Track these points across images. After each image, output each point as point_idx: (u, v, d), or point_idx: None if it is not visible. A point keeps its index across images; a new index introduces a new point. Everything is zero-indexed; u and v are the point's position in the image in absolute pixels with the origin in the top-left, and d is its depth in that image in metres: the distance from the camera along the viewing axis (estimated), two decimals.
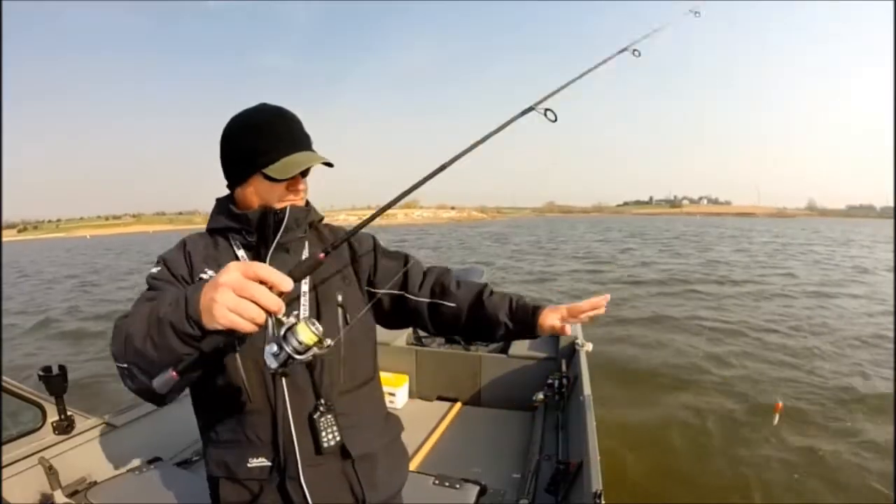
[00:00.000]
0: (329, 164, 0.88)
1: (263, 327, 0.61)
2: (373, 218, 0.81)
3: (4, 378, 1.56)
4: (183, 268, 0.87)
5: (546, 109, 0.84)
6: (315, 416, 0.85)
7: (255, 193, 0.88)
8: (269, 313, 0.60)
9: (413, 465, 2.25)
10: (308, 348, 0.62)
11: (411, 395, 3.02)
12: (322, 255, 0.72)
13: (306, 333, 0.61)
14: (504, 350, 2.95)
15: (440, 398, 2.97)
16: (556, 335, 2.89)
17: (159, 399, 0.73)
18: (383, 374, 2.94)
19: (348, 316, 0.92)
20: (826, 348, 6.16)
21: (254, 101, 0.92)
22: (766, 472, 3.31)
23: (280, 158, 0.84)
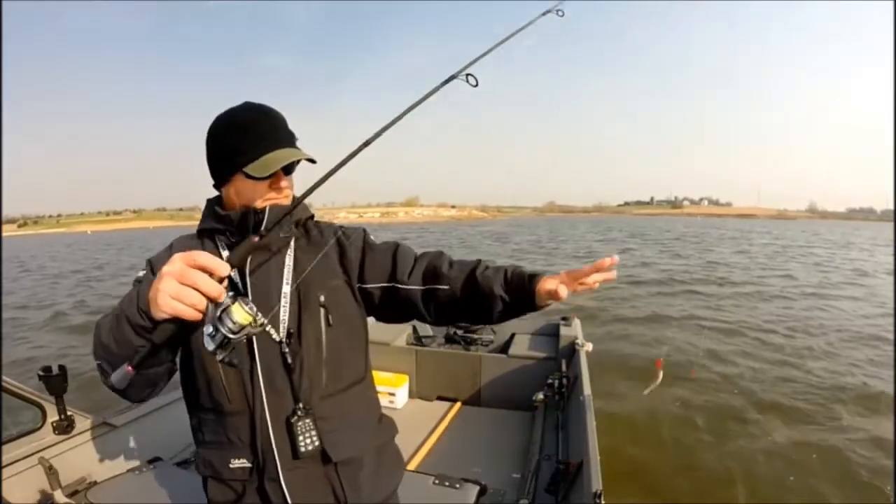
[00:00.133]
0: (311, 161, 0.87)
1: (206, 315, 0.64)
2: (304, 196, 0.83)
3: (4, 378, 1.56)
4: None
5: (467, 75, 0.84)
6: (292, 420, 0.84)
7: (238, 193, 0.87)
8: (209, 299, 0.62)
9: (413, 465, 2.25)
10: (242, 328, 0.63)
11: (411, 395, 3.02)
12: (256, 238, 0.74)
13: (240, 314, 0.62)
14: (504, 350, 2.95)
15: (440, 398, 2.97)
16: (556, 334, 2.90)
17: (130, 394, 0.77)
18: (383, 374, 2.95)
19: (331, 317, 0.89)
20: (823, 348, 6.22)
21: (253, 101, 0.90)
22: (763, 468, 3.34)
23: (260, 156, 0.83)
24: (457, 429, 2.65)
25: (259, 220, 0.85)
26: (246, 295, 0.84)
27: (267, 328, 0.84)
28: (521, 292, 0.84)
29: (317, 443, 0.85)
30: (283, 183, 0.87)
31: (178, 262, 0.62)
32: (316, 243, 0.95)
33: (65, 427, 1.73)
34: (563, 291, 0.79)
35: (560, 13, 1.06)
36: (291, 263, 0.91)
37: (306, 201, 0.93)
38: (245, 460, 0.86)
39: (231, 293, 0.64)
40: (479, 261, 0.92)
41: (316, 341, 0.87)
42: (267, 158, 0.83)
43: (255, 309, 0.64)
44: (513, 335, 3.14)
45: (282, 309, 0.87)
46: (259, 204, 0.86)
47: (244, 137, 0.84)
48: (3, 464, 1.54)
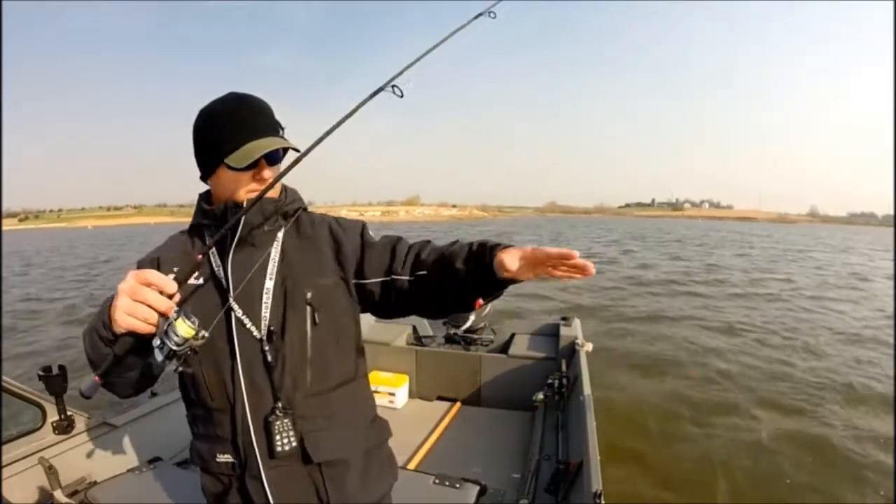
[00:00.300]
0: (295, 150, 0.84)
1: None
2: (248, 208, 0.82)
3: (4, 378, 1.56)
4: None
5: (393, 86, 0.84)
6: (270, 419, 0.82)
7: (222, 185, 0.86)
8: (159, 313, 0.68)
9: (413, 465, 2.25)
10: (186, 341, 0.68)
11: (411, 394, 3.02)
12: (199, 256, 0.76)
13: (183, 328, 0.67)
14: (504, 350, 2.95)
15: (440, 398, 2.97)
16: (556, 334, 2.90)
17: (118, 392, 0.83)
18: (383, 374, 2.96)
19: (317, 315, 0.86)
20: (819, 348, 6.32)
21: (238, 91, 0.89)
22: (762, 464, 3.37)
23: (240, 147, 0.81)
24: (457, 429, 2.65)
25: (241, 215, 0.83)
26: (228, 290, 0.84)
27: (247, 326, 0.83)
28: (481, 264, 0.78)
29: (294, 444, 0.83)
30: (267, 173, 0.84)
31: (131, 279, 0.68)
32: (307, 237, 0.92)
33: (65, 427, 1.73)
34: (514, 264, 0.73)
35: (493, 15, 1.04)
36: (277, 257, 0.88)
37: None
38: (229, 455, 0.86)
39: (177, 308, 0.69)
40: (456, 241, 0.88)
41: (300, 340, 0.85)
42: (247, 148, 0.80)
43: (197, 323, 0.68)
44: (513, 335, 3.14)
45: (263, 305, 0.85)
46: (242, 196, 0.84)
47: (224, 128, 0.82)
48: (3, 464, 1.54)
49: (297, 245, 0.91)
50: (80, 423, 1.80)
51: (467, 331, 3.11)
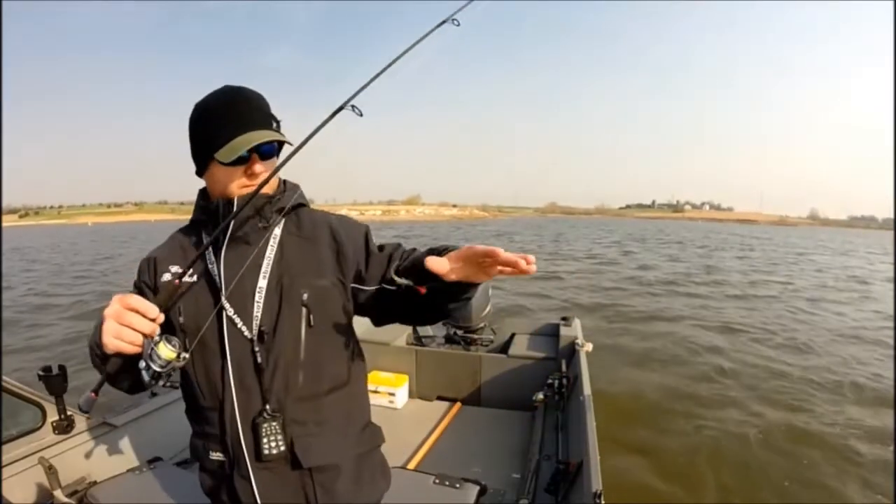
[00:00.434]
0: (289, 143, 0.83)
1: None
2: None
3: (4, 378, 1.56)
4: (145, 273, 0.91)
5: (352, 106, 0.84)
6: (257, 421, 0.81)
7: (214, 181, 0.85)
8: (144, 335, 0.72)
9: (413, 465, 2.25)
10: (168, 363, 0.72)
11: (411, 395, 3.02)
12: (177, 281, 0.79)
13: (165, 351, 0.72)
14: (504, 350, 2.95)
15: (440, 398, 2.97)
16: (556, 334, 2.90)
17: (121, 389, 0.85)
18: (383, 374, 2.96)
19: (312, 317, 0.84)
20: (816, 348, 6.40)
21: (232, 85, 0.87)
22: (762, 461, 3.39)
23: (230, 141, 0.79)
24: (457, 429, 2.65)
25: (229, 210, 0.82)
26: (219, 288, 0.83)
27: (238, 325, 0.82)
28: (414, 268, 0.78)
29: (282, 447, 0.82)
30: (258, 168, 0.82)
31: (115, 304, 0.72)
32: (307, 236, 0.90)
33: (65, 427, 1.73)
34: (440, 266, 0.70)
35: (456, 23, 1.03)
36: (273, 255, 0.86)
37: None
38: (220, 454, 0.86)
39: (160, 332, 0.74)
40: (414, 248, 0.89)
41: (294, 341, 0.83)
42: (235, 142, 0.79)
43: (178, 345, 0.73)
44: (513, 335, 3.15)
45: (255, 305, 0.83)
46: (234, 191, 0.83)
47: (214, 122, 0.81)
48: (3, 464, 1.54)
49: (296, 243, 0.89)
50: (80, 422, 1.80)
51: (467, 331, 3.11)
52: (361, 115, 0.84)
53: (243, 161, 0.81)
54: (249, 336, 0.82)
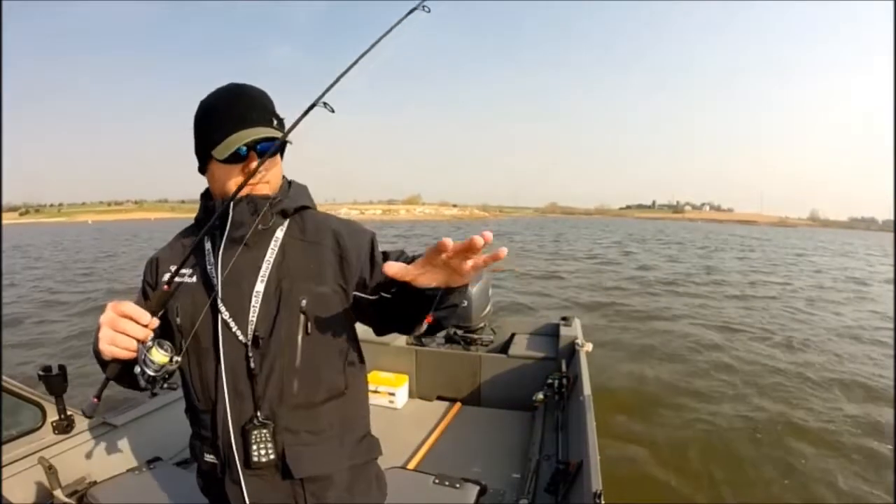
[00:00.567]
0: (286, 141, 0.82)
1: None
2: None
3: (4, 378, 1.56)
4: (149, 273, 0.92)
5: (324, 103, 0.83)
6: (247, 428, 0.80)
7: (213, 178, 0.84)
8: (138, 341, 0.73)
9: (413, 465, 2.25)
10: (162, 367, 0.74)
11: (411, 395, 3.02)
12: (166, 286, 0.79)
13: (157, 356, 0.73)
14: (504, 350, 2.95)
15: (440, 398, 2.97)
16: (556, 334, 2.90)
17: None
18: (383, 374, 2.95)
19: (310, 324, 0.82)
20: (814, 347, 6.50)
21: (238, 82, 0.86)
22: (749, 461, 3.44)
23: (226, 137, 0.78)
24: (457, 429, 2.65)
25: (225, 212, 0.81)
26: (216, 294, 0.82)
27: (233, 329, 0.81)
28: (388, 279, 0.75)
29: (272, 455, 0.80)
30: (254, 166, 0.80)
31: (109, 311, 0.73)
32: (310, 240, 0.87)
33: (65, 427, 1.73)
34: (394, 270, 0.68)
35: (426, 9, 1.01)
36: (273, 259, 0.84)
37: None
38: (213, 457, 0.85)
39: (153, 337, 0.75)
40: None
41: (290, 348, 0.81)
42: (230, 139, 0.78)
43: (169, 350, 0.75)
44: (513, 335, 3.15)
45: (251, 309, 0.81)
46: (232, 189, 0.81)
47: (214, 119, 0.81)
48: (3, 464, 1.54)
49: (298, 247, 0.86)
50: (80, 422, 1.80)
51: (467, 331, 3.11)
52: (333, 111, 0.83)
53: (240, 159, 0.80)
54: (244, 341, 0.81)
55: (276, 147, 0.80)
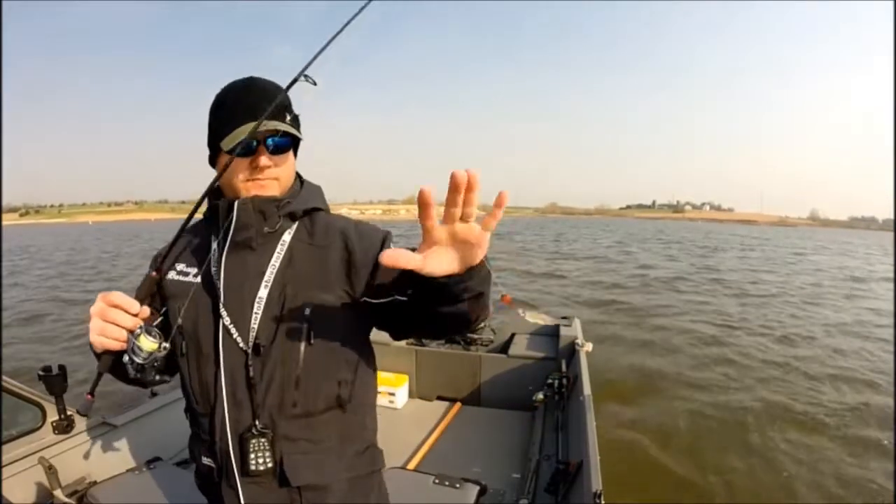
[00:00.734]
0: (296, 136, 0.79)
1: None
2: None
3: (4, 378, 1.56)
4: (153, 269, 0.89)
5: (305, 77, 0.80)
6: (245, 437, 0.77)
7: (224, 174, 0.80)
8: (128, 331, 0.73)
9: (413, 465, 2.25)
10: (150, 354, 0.73)
11: (411, 394, 3.02)
12: (154, 273, 0.79)
13: (146, 343, 0.73)
14: (504, 350, 2.95)
15: (440, 398, 2.97)
16: (556, 334, 2.90)
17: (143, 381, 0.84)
18: (383, 374, 2.94)
19: (313, 333, 0.78)
20: (812, 342, 6.62)
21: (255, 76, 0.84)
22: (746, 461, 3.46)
23: (233, 130, 0.76)
24: (457, 429, 2.65)
25: (230, 212, 0.78)
26: (218, 298, 0.80)
27: (234, 336, 0.78)
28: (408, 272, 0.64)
29: (270, 464, 0.78)
30: (263, 161, 0.77)
31: (99, 301, 0.73)
32: (318, 244, 0.83)
33: (65, 427, 1.73)
34: (391, 260, 0.56)
35: None
36: (279, 263, 0.80)
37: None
38: (211, 460, 0.83)
39: (141, 325, 0.74)
40: None
41: (291, 358, 0.78)
42: (238, 130, 0.75)
43: (158, 336, 0.74)
44: (513, 335, 3.14)
45: (253, 316, 0.78)
46: (239, 184, 0.79)
47: (225, 111, 0.79)
48: (3, 464, 1.54)
49: (305, 251, 0.82)
50: (80, 422, 1.80)
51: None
52: (315, 83, 0.80)
53: (249, 152, 0.77)
54: (244, 348, 0.78)
55: (251, 130, 0.75)
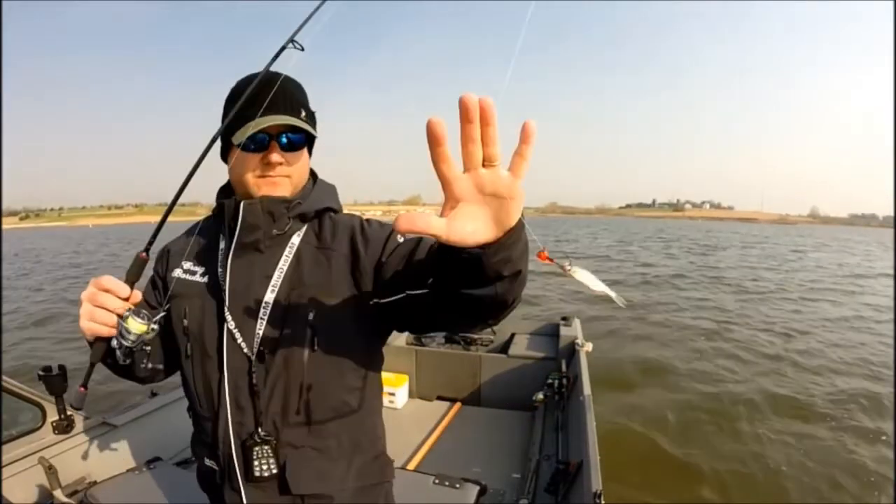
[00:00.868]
0: (311, 133, 0.76)
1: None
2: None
3: (4, 378, 1.56)
4: (159, 263, 0.89)
5: (293, 42, 0.81)
6: (248, 444, 0.76)
7: (234, 170, 0.78)
8: (118, 315, 0.71)
9: (413, 465, 2.25)
10: (139, 336, 0.71)
11: (411, 394, 3.02)
12: (143, 253, 0.78)
13: (134, 325, 0.71)
14: (504, 350, 2.95)
15: (440, 398, 2.97)
16: (556, 334, 2.90)
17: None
18: (383, 374, 2.95)
19: (317, 338, 0.75)
20: (810, 338, 6.69)
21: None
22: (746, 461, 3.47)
23: (245, 123, 0.73)
24: (457, 429, 2.65)
25: (237, 213, 0.76)
26: (224, 301, 0.78)
27: (238, 341, 0.76)
28: (435, 252, 0.60)
29: (274, 470, 0.76)
30: (275, 157, 0.74)
31: (90, 286, 0.71)
32: (325, 246, 0.79)
33: (65, 427, 1.72)
34: (407, 225, 0.43)
35: None
36: (287, 266, 0.78)
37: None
38: (213, 462, 0.82)
39: (130, 308, 0.72)
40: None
41: (296, 365, 0.76)
42: (249, 124, 0.73)
43: (146, 318, 0.72)
44: (513, 335, 3.15)
45: (259, 321, 0.76)
46: (249, 179, 0.77)
47: (237, 103, 0.76)
48: (3, 464, 1.54)
49: (312, 254, 0.79)
50: (80, 423, 1.80)
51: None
52: (303, 49, 0.81)
53: (260, 148, 0.74)
54: (248, 354, 0.76)
55: (243, 98, 0.75)
